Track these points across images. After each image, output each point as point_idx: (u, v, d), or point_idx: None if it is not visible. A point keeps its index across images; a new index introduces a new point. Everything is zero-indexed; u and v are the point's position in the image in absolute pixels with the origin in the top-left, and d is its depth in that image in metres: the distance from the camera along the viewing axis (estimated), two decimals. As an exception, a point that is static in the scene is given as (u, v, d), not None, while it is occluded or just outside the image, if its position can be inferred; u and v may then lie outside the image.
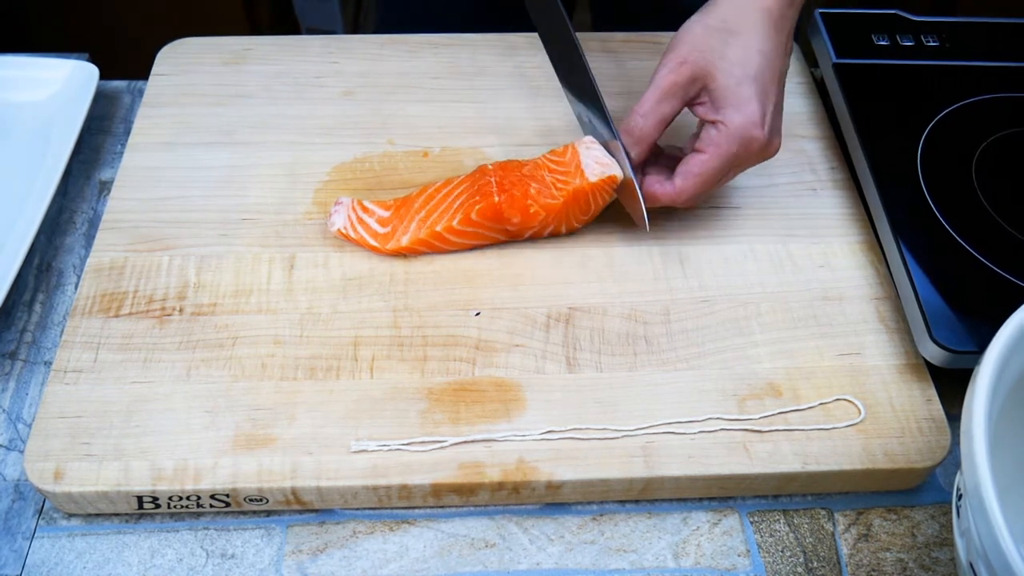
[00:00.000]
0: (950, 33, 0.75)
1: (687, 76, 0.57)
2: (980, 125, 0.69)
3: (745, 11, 0.57)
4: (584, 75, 0.63)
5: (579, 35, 0.78)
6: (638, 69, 0.76)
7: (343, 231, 0.62)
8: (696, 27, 0.58)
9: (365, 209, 0.63)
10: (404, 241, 0.61)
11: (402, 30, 0.78)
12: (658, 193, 0.60)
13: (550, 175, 0.62)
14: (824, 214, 0.66)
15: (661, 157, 0.63)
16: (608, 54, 0.77)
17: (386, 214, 0.63)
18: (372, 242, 0.62)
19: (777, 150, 0.59)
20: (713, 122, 0.57)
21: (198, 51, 0.76)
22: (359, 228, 0.62)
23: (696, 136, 0.59)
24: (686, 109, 0.60)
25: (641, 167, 0.62)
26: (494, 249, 0.63)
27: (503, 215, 0.61)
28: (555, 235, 0.64)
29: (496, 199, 0.61)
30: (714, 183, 0.59)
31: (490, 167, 0.63)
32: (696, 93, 0.58)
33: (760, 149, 0.57)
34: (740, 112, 0.56)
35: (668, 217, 0.65)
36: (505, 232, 0.62)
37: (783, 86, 0.59)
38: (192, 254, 0.62)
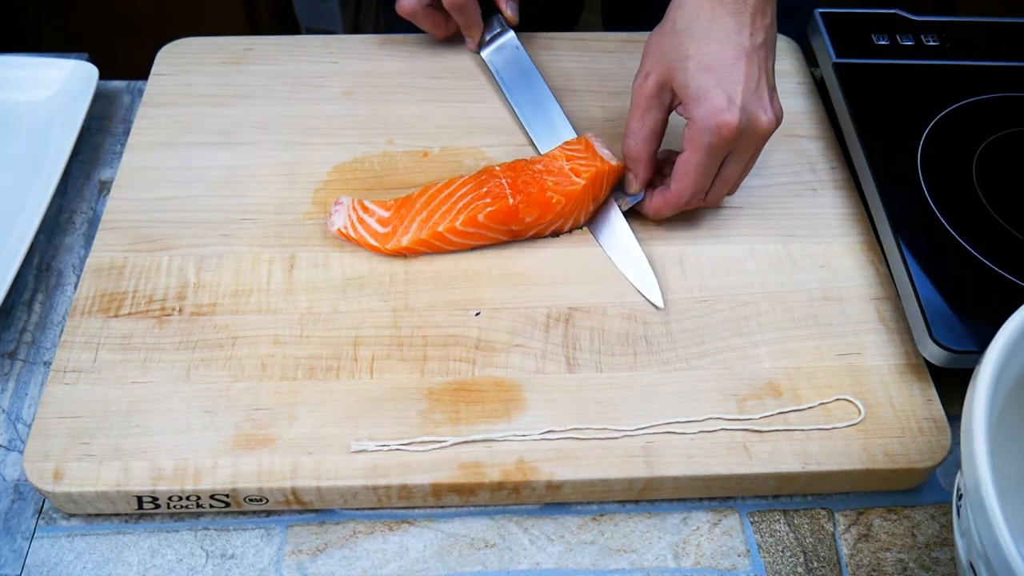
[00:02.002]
0: (950, 33, 0.75)
1: (654, 86, 0.59)
2: (980, 125, 0.69)
3: (694, 8, 0.57)
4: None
5: (580, 34, 0.78)
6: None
7: (343, 231, 0.62)
8: (654, 37, 0.60)
9: (365, 209, 0.63)
10: (404, 241, 0.61)
11: (402, 30, 0.78)
12: (661, 203, 0.62)
13: (568, 163, 0.63)
14: (824, 214, 0.66)
15: (669, 167, 0.64)
16: (608, 54, 0.77)
17: (386, 214, 0.63)
18: (372, 242, 0.62)
19: (769, 126, 0.58)
20: (687, 119, 0.58)
21: (198, 51, 0.76)
22: (359, 228, 0.62)
23: None
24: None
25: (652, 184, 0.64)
26: (494, 249, 0.63)
27: (518, 216, 0.61)
28: (557, 233, 0.64)
29: (511, 202, 0.61)
30: (704, 177, 0.59)
31: (498, 168, 0.63)
32: (671, 98, 0.59)
33: (738, 132, 0.56)
34: (702, 104, 0.56)
35: (668, 217, 0.65)
36: (509, 232, 0.62)
37: (759, 63, 0.57)
38: (192, 254, 0.62)
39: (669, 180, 0.61)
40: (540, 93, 0.71)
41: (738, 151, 0.59)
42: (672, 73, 0.58)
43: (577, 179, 0.62)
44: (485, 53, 0.75)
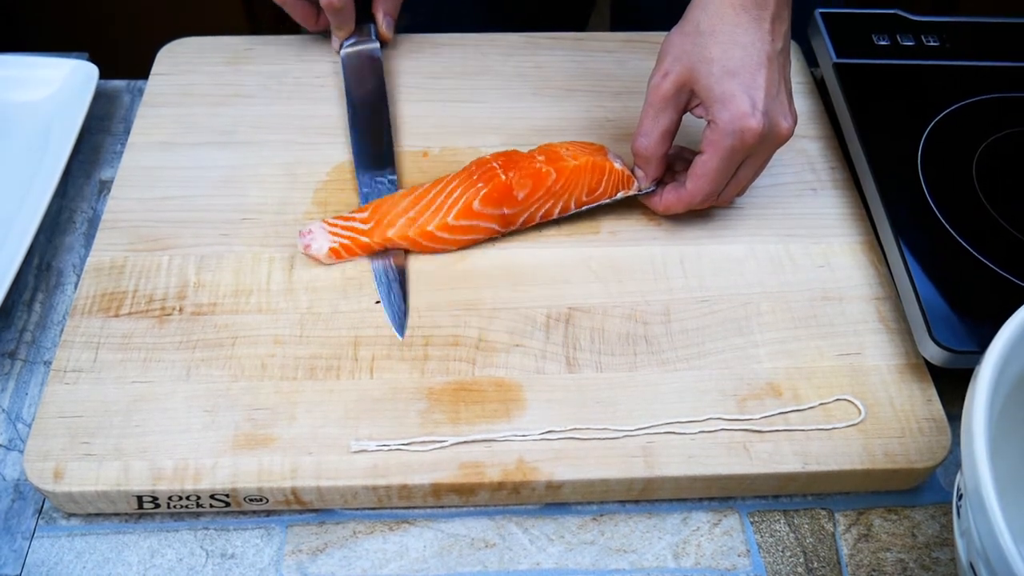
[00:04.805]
0: (950, 33, 0.75)
1: (673, 86, 0.58)
2: (981, 125, 0.69)
3: (717, 10, 0.57)
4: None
5: (581, 34, 0.78)
6: (639, 69, 0.76)
7: (336, 249, 0.61)
8: (674, 37, 0.59)
9: (343, 217, 0.62)
10: (390, 233, 0.61)
11: (403, 30, 0.79)
12: (673, 201, 0.62)
13: (567, 150, 0.63)
14: (824, 214, 0.66)
15: (681, 163, 0.64)
16: (609, 54, 0.77)
17: (364, 215, 0.62)
18: (364, 240, 0.61)
19: (788, 132, 0.58)
20: (708, 121, 0.58)
21: (198, 51, 0.76)
22: (349, 234, 0.61)
23: None
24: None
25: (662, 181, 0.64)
26: (494, 249, 0.63)
27: (511, 192, 0.61)
28: (547, 218, 0.64)
29: (503, 178, 0.61)
30: (721, 179, 0.59)
31: (488, 156, 0.63)
32: (687, 99, 0.59)
33: (760, 137, 0.57)
34: (727, 108, 0.56)
35: (669, 215, 0.65)
36: (502, 218, 0.62)
37: (778, 69, 0.58)
38: (192, 254, 0.62)
39: (682, 177, 0.61)
40: (378, 109, 0.70)
41: (755, 155, 0.59)
42: (694, 75, 0.57)
43: (572, 160, 0.62)
44: (344, 53, 0.74)
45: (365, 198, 0.65)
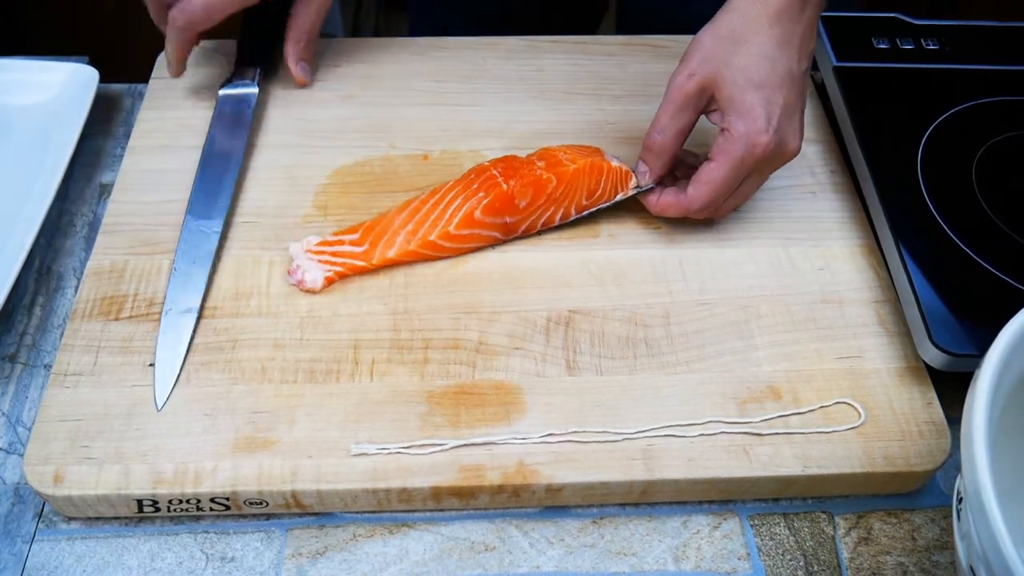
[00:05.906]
0: (950, 36, 0.75)
1: (696, 87, 0.58)
2: (980, 128, 0.69)
3: (754, 19, 0.57)
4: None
5: (581, 37, 0.79)
6: (639, 72, 0.76)
7: (331, 277, 0.60)
8: (705, 37, 0.59)
9: (328, 243, 0.61)
10: (391, 254, 0.61)
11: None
12: (671, 203, 0.62)
13: (565, 154, 0.63)
14: (824, 217, 0.66)
15: (682, 168, 0.64)
16: (609, 57, 0.77)
17: (355, 236, 0.62)
18: (360, 263, 0.61)
19: (795, 152, 0.59)
20: (722, 129, 0.58)
21: (198, 54, 0.76)
22: (341, 260, 0.60)
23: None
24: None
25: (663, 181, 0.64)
26: (494, 252, 0.63)
27: (512, 201, 0.61)
28: (548, 225, 0.64)
29: (504, 187, 0.61)
30: (725, 190, 0.59)
31: (487, 163, 0.63)
32: (707, 102, 0.59)
33: (768, 154, 0.57)
34: (744, 120, 0.56)
35: (668, 219, 0.65)
36: (503, 227, 0.62)
37: (798, 89, 0.58)
38: (192, 257, 0.62)
39: (683, 182, 0.61)
40: (229, 161, 0.67)
41: (759, 170, 0.59)
42: (718, 79, 0.57)
43: (571, 164, 0.62)
44: (221, 94, 0.71)
45: (184, 242, 0.62)
